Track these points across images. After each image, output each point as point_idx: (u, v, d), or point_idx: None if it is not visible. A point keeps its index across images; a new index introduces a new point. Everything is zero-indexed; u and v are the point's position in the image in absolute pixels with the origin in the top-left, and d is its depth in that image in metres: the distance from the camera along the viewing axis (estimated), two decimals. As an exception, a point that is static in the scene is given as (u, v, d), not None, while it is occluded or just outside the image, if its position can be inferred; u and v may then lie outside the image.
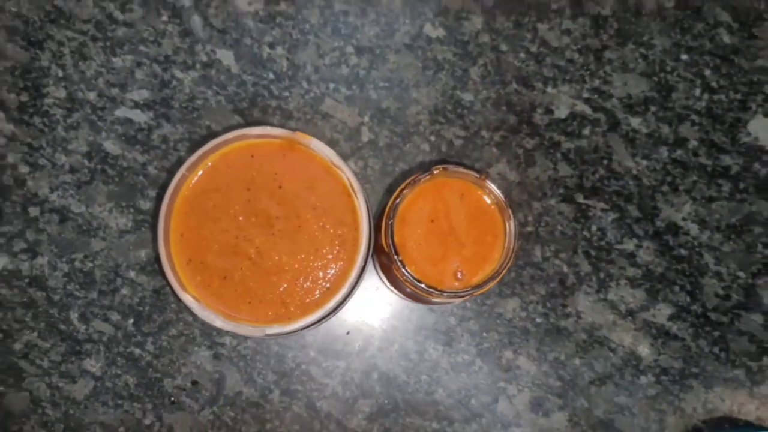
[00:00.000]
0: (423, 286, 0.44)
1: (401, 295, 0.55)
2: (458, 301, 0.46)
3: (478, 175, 0.46)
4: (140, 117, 0.59)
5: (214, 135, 0.56)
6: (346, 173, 0.49)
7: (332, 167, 0.50)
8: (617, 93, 0.60)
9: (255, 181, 0.48)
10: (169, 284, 0.47)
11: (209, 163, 0.49)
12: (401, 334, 0.57)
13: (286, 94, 0.59)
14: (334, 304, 0.47)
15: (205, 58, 0.59)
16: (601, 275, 0.58)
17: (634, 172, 0.59)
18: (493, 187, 0.46)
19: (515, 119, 0.59)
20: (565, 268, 0.58)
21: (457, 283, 0.47)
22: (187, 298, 0.47)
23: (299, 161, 0.50)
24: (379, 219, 0.52)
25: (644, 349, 0.57)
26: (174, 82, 0.59)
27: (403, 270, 0.44)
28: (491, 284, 0.45)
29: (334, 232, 0.49)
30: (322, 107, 0.59)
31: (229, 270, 0.47)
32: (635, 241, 0.58)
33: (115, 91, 0.59)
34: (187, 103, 0.59)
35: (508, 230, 0.46)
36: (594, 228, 0.58)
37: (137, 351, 0.57)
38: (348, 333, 0.57)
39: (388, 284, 0.55)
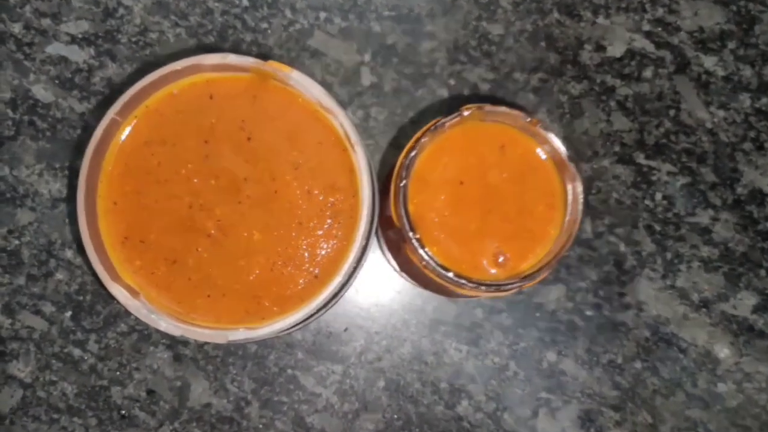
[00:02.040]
0: (450, 275, 0.32)
1: (414, 283, 0.43)
2: (499, 295, 0.34)
3: (527, 118, 0.33)
4: (78, 55, 0.51)
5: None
6: (340, 119, 0.37)
7: (320, 111, 0.38)
8: (686, 25, 0.53)
9: (215, 130, 0.38)
10: (94, 272, 0.35)
11: (151, 106, 0.38)
12: (414, 330, 0.50)
13: (264, 25, 0.51)
14: (325, 298, 0.37)
15: (162, -19, 0.49)
16: (668, 256, 0.50)
17: (709, 125, 0.52)
18: (549, 134, 0.33)
19: (557, 58, 0.52)
20: (623, 247, 0.51)
21: (496, 271, 0.34)
22: (119, 291, 0.35)
23: (275, 103, 0.39)
24: (386, 181, 0.39)
25: (723, 350, 0.50)
26: (121, 11, 0.51)
27: (421, 252, 0.32)
28: (546, 273, 0.32)
29: (325, 199, 0.37)
30: (310, 42, 0.51)
31: (181, 252, 0.37)
32: (711, 213, 0.51)
33: (46, 22, 0.51)
34: (138, 37, 0.51)
35: (570, 196, 0.33)
36: (659, 196, 0.51)
37: (77, 352, 0.49)
38: (346, 329, 0.50)
39: (397, 268, 0.43)
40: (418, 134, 0.34)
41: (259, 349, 0.49)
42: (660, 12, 0.52)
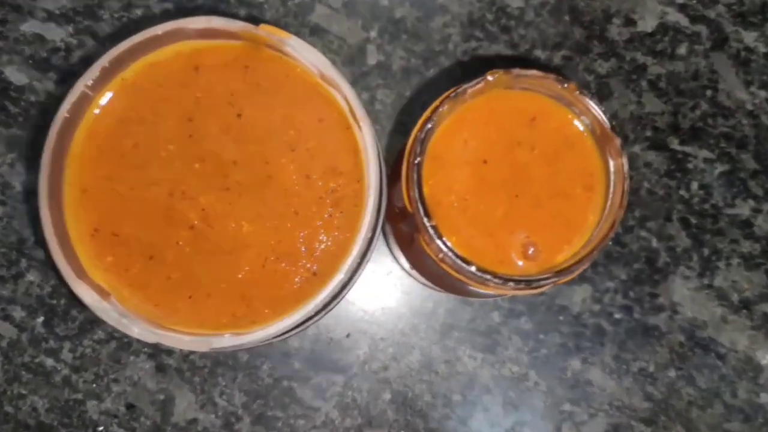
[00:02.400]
0: (472, 270, 0.27)
1: (425, 281, 0.38)
2: (530, 292, 0.29)
3: (563, 83, 0.28)
4: (55, 33, 0.47)
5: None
6: (344, 92, 0.32)
7: (321, 84, 0.33)
8: None
9: (200, 106, 0.34)
10: (57, 269, 0.30)
11: (128, 78, 0.33)
12: (424, 336, 0.46)
13: None
14: (325, 299, 0.32)
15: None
16: (705, 252, 0.47)
17: (749, 107, 0.48)
18: (589, 102, 0.28)
19: (582, 33, 0.48)
20: (655, 243, 0.46)
21: (525, 264, 0.29)
22: (85, 291, 0.30)
23: (269, 75, 0.34)
24: (394, 167, 0.34)
25: (765, 356, 0.46)
26: None
27: (438, 243, 0.27)
28: (585, 266, 0.27)
29: (325, 185, 0.33)
30: (311, 18, 0.47)
31: (159, 246, 0.33)
32: (752, 204, 0.47)
33: None
34: (121, 13, 0.47)
35: (614, 175, 0.28)
36: (695, 186, 0.47)
37: (49, 362, 0.45)
38: (348, 335, 0.46)
39: (406, 266, 0.38)
40: (436, 103, 0.29)
41: (251, 358, 0.44)
42: (695, -17, 0.48)
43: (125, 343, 0.44)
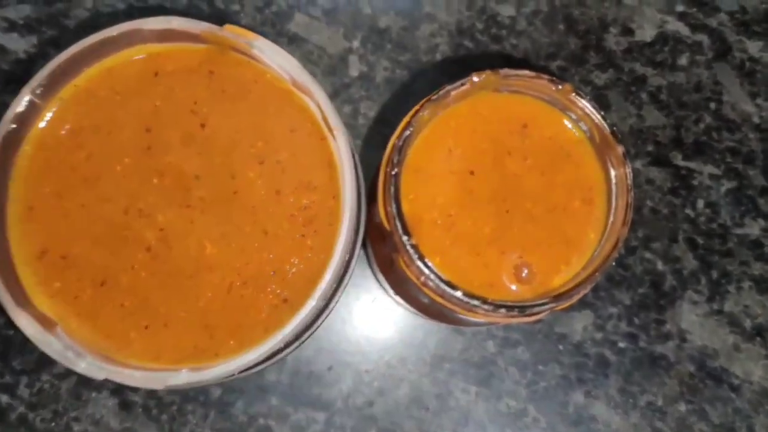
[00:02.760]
0: (458, 295, 0.24)
1: (412, 309, 0.35)
2: (525, 320, 0.26)
3: (557, 86, 0.25)
4: (18, 44, 0.45)
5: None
6: (317, 99, 0.29)
7: (293, 91, 0.30)
8: (725, 5, 0.47)
9: (160, 115, 0.31)
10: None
11: (80, 85, 0.30)
12: (412, 368, 0.42)
13: (236, 7, 0.45)
14: (296, 328, 0.29)
15: (114, -44, 0.42)
16: (714, 275, 0.44)
17: (756, 120, 0.45)
18: (586, 105, 0.25)
19: (578, 43, 0.46)
20: (660, 265, 0.44)
21: (519, 288, 0.26)
22: (25, 320, 0.26)
23: (236, 81, 0.31)
24: (373, 184, 0.31)
25: None
26: None
27: (419, 264, 0.23)
28: (586, 290, 0.24)
29: (297, 201, 0.30)
30: (289, 26, 0.45)
31: (112, 270, 0.30)
32: (762, 223, 0.44)
33: None
34: (89, 23, 0.45)
35: (615, 187, 0.25)
36: (701, 204, 0.44)
37: (4, 398, 0.41)
38: (330, 368, 0.42)
39: (390, 291, 0.35)
40: (416, 107, 0.26)
41: (223, 393, 0.41)
42: (695, -9, 0.45)
43: (86, 379, 0.40)
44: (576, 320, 0.42)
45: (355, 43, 0.44)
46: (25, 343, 0.41)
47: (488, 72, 0.26)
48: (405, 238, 0.24)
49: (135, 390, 0.41)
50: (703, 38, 0.45)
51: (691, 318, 0.43)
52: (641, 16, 0.45)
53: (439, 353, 0.42)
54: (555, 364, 0.42)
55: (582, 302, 0.42)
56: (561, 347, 0.42)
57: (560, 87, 0.26)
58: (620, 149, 0.25)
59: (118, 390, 0.41)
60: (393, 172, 0.24)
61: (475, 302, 0.23)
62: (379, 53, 0.44)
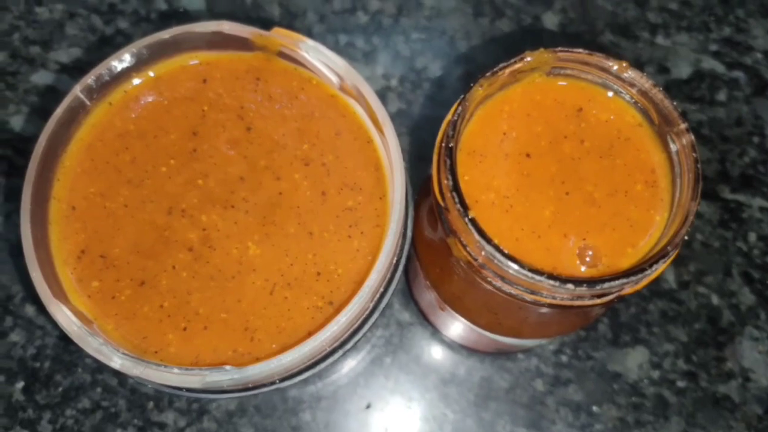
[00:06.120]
0: (524, 270, 0.22)
1: (457, 335, 0.33)
2: (591, 304, 0.23)
3: (614, 66, 0.25)
4: (68, 84, 0.42)
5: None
6: (367, 97, 0.29)
7: (339, 95, 0.30)
8: (759, 44, 0.47)
9: (206, 119, 0.31)
10: (33, 290, 0.26)
11: (130, 92, 0.30)
12: (456, 408, 0.39)
13: None
14: (341, 331, 0.26)
15: (164, 6, 0.44)
16: None
17: None
18: (643, 80, 0.25)
19: None
20: (716, 300, 0.41)
21: (584, 270, 0.24)
22: (60, 311, 0.25)
23: (282, 87, 0.31)
24: (418, 200, 0.30)
25: None
26: (119, 38, 0.47)
27: (479, 239, 0.22)
28: (659, 266, 0.22)
29: (343, 202, 0.29)
30: None
31: (153, 270, 0.28)
32: None
33: (35, 50, 0.46)
34: None
35: (678, 161, 0.24)
36: (752, 236, 0.42)
37: None
38: (368, 406, 0.39)
39: (436, 320, 0.33)
40: (471, 85, 0.26)
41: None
42: (727, 31, 0.46)
43: (112, 414, 0.38)
44: (630, 357, 0.39)
45: (393, 82, 0.44)
46: (51, 376, 0.39)
47: (542, 50, 0.26)
48: (462, 210, 0.22)
49: (162, 427, 0.38)
50: (739, 75, 0.45)
51: (753, 355, 0.39)
52: (675, 55, 0.45)
53: (484, 392, 0.39)
54: (611, 404, 0.38)
55: (635, 338, 0.39)
56: (615, 386, 0.39)
57: (616, 67, 0.25)
58: (683, 125, 0.24)
59: (145, 426, 0.38)
60: (449, 145, 0.24)
61: (541, 277, 0.22)
62: (416, 91, 0.44)
